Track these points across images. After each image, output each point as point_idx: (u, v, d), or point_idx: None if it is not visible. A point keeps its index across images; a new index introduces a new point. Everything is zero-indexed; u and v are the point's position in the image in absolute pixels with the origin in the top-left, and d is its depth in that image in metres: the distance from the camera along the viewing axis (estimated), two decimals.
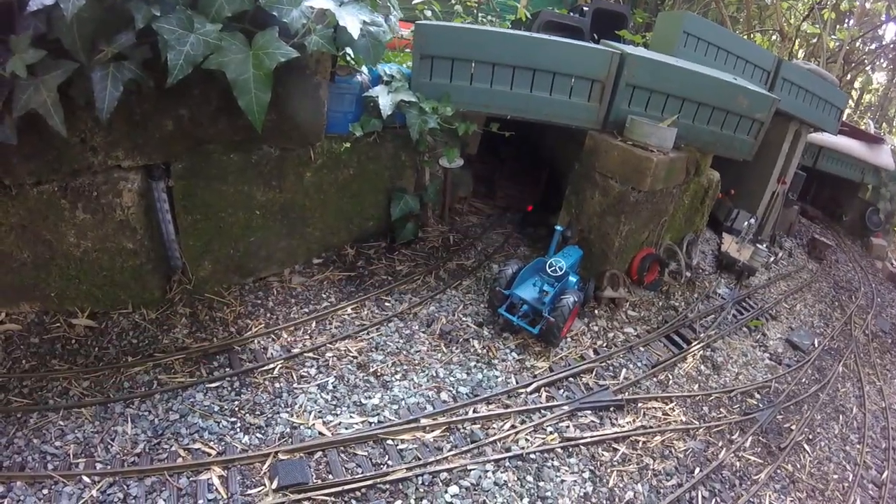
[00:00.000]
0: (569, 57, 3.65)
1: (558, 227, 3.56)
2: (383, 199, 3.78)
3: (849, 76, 10.40)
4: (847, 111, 11.19)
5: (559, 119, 3.80)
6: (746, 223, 5.11)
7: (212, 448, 2.35)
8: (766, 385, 3.89)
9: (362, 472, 2.31)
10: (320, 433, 2.48)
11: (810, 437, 3.68)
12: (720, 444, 3.16)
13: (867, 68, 10.91)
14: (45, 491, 2.07)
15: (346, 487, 2.23)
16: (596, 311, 3.76)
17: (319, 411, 2.60)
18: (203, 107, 2.72)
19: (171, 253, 3.06)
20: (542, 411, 2.85)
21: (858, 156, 7.70)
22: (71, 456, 2.22)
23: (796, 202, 6.80)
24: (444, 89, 3.60)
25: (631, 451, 2.82)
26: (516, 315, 3.21)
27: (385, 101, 3.37)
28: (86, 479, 2.13)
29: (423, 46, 3.51)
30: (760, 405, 3.66)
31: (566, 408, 2.89)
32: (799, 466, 3.37)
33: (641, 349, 3.61)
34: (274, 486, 2.21)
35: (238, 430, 2.47)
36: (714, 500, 2.77)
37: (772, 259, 5.82)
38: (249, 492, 2.18)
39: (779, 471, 3.22)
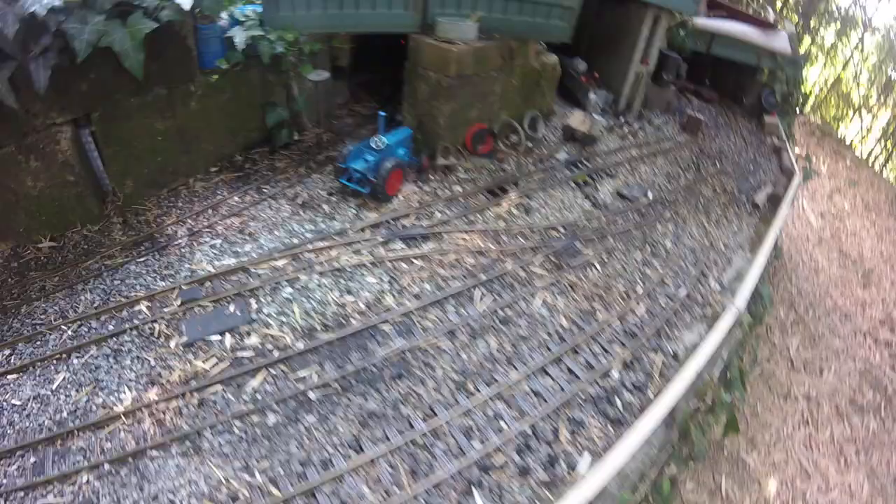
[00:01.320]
0: None
1: (381, 112, 4.59)
2: (260, 113, 4.85)
3: None
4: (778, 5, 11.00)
5: (384, 28, 4.72)
6: (589, 98, 5.94)
7: (141, 293, 3.65)
8: (576, 224, 4.76)
9: (233, 288, 3.61)
10: (209, 272, 3.77)
11: (605, 260, 4.40)
12: (509, 261, 4.19)
13: None
14: (37, 342, 3.31)
15: (222, 296, 3.55)
16: (431, 177, 4.86)
17: (210, 259, 3.88)
18: (105, 70, 3.79)
19: (101, 180, 4.24)
20: (363, 242, 4.06)
21: (753, 41, 8.01)
22: (52, 319, 3.46)
23: (674, 82, 7.40)
24: (290, 20, 4.54)
25: (426, 264, 4.01)
26: (352, 182, 4.35)
27: (239, 38, 4.37)
28: (63, 326, 3.40)
29: None
30: (563, 238, 4.55)
31: (381, 239, 4.10)
32: (583, 278, 4.15)
33: (461, 200, 4.71)
34: (178, 303, 3.53)
35: (158, 279, 3.76)
36: (491, 296, 3.86)
37: (612, 128, 6.45)
38: (165, 310, 3.50)
39: (560, 280, 4.08)
